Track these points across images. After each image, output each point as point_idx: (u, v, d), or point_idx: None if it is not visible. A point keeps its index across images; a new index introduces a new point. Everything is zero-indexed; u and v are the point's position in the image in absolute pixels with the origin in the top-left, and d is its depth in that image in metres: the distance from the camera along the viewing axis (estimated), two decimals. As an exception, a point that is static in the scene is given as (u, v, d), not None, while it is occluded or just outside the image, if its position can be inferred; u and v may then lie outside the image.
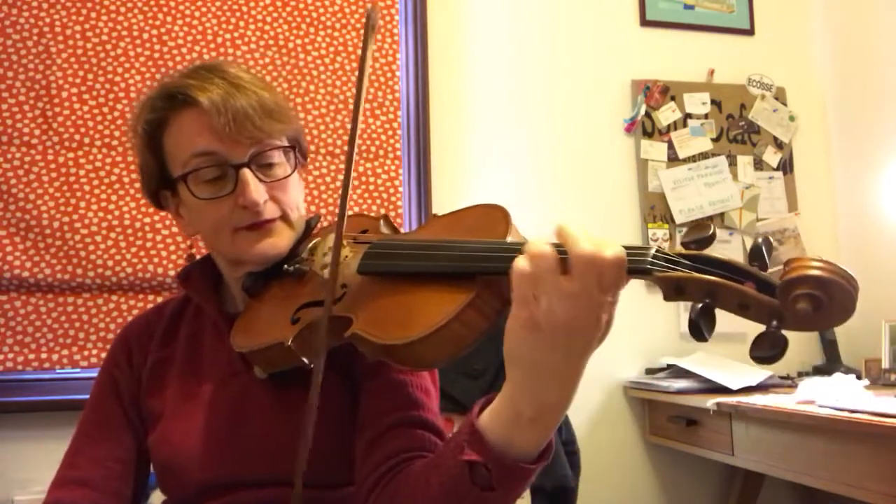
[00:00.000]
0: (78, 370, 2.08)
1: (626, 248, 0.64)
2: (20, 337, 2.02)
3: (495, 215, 0.81)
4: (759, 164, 2.68)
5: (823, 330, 0.60)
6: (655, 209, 2.56)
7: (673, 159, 2.60)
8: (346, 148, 2.28)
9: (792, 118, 2.73)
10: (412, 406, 0.91)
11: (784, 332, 0.61)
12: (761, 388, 2.10)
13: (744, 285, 0.62)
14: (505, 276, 0.68)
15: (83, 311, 2.07)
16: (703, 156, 2.63)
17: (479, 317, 0.72)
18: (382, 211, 2.30)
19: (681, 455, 2.37)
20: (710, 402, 1.96)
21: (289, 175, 0.97)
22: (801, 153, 2.73)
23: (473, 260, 0.73)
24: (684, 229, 2.55)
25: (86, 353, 2.05)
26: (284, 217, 0.97)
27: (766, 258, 0.64)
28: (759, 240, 0.64)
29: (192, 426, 0.97)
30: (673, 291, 0.64)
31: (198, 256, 1.11)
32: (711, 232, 0.65)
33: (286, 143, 0.98)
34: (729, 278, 0.62)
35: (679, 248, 0.65)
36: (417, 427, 0.89)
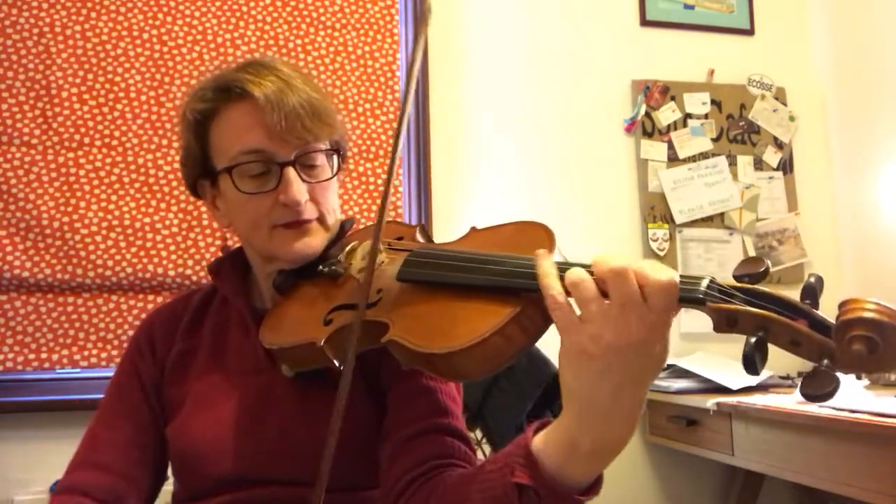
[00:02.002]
0: (78, 370, 2.07)
1: (681, 276, 0.65)
2: (20, 337, 2.02)
3: (539, 233, 0.81)
4: (759, 164, 2.68)
5: (875, 373, 0.60)
6: (655, 209, 2.56)
7: (673, 159, 2.60)
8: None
9: (792, 118, 2.73)
10: (441, 413, 0.91)
11: (836, 371, 0.61)
12: (761, 388, 2.10)
13: (796, 322, 0.62)
14: None
15: (83, 311, 2.07)
16: (703, 156, 2.63)
17: (521, 333, 0.72)
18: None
19: (681, 455, 2.37)
20: (710, 402, 1.96)
21: (330, 178, 0.99)
22: (801, 153, 2.73)
23: (520, 276, 0.73)
24: (684, 229, 2.56)
25: (86, 353, 2.05)
26: (321, 219, 0.98)
27: (819, 296, 0.64)
28: (812, 279, 0.64)
29: (214, 418, 0.98)
30: (725, 323, 0.64)
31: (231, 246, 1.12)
32: (765, 268, 0.66)
33: (330, 147, 1.00)
34: (782, 314, 0.63)
35: (731, 281, 0.66)
36: (447, 434, 0.89)
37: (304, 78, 0.99)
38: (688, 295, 0.65)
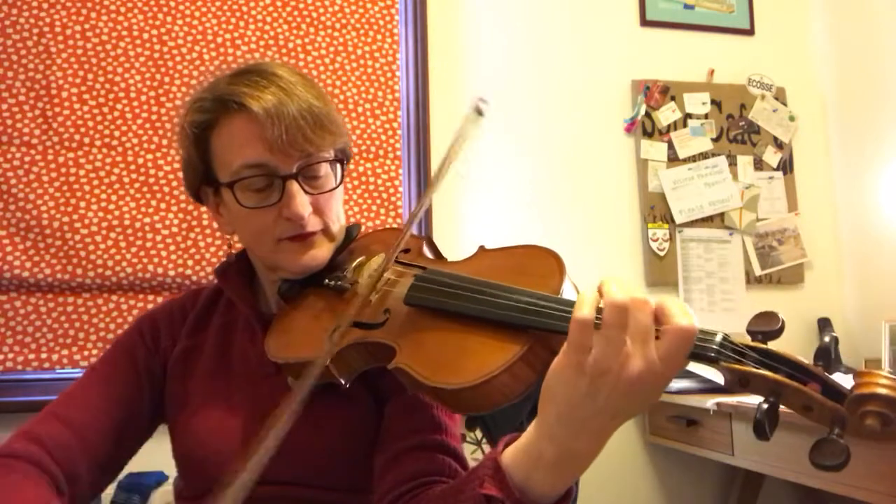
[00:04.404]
0: (78, 370, 2.07)
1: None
2: (20, 337, 2.02)
3: (550, 264, 0.80)
4: (759, 164, 2.68)
5: (885, 444, 0.60)
6: (655, 209, 2.56)
7: (673, 159, 2.60)
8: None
9: (792, 118, 2.73)
10: (435, 429, 0.91)
11: (844, 440, 0.61)
12: (761, 388, 2.10)
13: (807, 386, 0.62)
14: (560, 334, 0.68)
15: (83, 311, 2.07)
16: (703, 156, 2.63)
17: (529, 370, 0.72)
18: (382, 211, 2.30)
19: (681, 455, 2.37)
20: (710, 402, 1.96)
21: (334, 188, 0.97)
22: (801, 153, 2.73)
23: (531, 314, 0.72)
24: (684, 229, 2.56)
25: (86, 353, 2.05)
26: (326, 230, 0.97)
27: (832, 358, 0.64)
28: (827, 339, 0.64)
29: (218, 420, 0.98)
30: (738, 383, 0.64)
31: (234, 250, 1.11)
32: (780, 325, 0.65)
33: (333, 157, 0.98)
34: (794, 378, 0.62)
35: (745, 338, 0.65)
36: (439, 451, 0.89)
37: (305, 83, 0.96)
38: (700, 351, 0.64)
